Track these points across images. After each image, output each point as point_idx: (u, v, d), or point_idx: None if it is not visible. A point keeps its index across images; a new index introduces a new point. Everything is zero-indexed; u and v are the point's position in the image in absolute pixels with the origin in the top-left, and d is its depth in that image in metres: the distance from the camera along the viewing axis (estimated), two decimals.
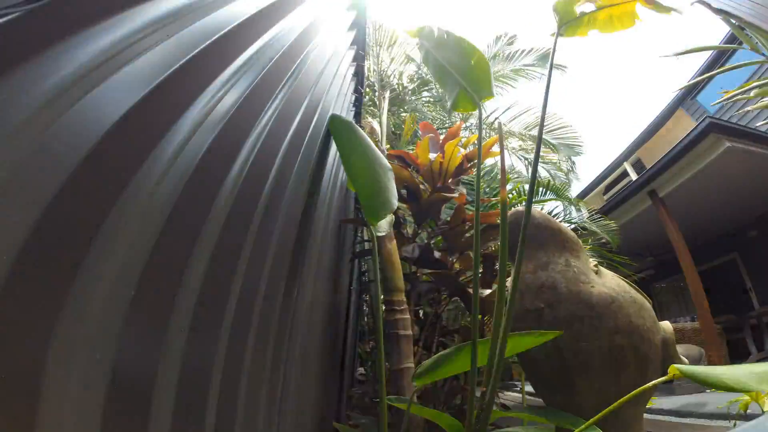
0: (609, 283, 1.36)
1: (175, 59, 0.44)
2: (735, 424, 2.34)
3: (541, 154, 5.43)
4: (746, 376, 0.65)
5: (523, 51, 5.53)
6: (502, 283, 0.94)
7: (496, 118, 5.26)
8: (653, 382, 0.78)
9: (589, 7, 1.10)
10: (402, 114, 4.86)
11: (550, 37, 1.14)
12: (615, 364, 1.20)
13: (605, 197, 10.87)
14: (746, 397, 1.85)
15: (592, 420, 0.77)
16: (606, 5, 1.09)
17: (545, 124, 5.24)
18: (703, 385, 0.70)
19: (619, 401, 0.74)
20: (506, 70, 5.53)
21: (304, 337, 1.13)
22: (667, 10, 1.06)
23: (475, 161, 2.15)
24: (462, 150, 2.35)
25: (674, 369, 0.72)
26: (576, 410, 1.21)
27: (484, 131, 5.15)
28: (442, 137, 2.37)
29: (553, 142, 5.34)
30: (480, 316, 2.09)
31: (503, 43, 5.58)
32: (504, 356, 0.87)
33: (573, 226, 4.75)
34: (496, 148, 2.55)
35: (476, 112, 1.18)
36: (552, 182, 4.56)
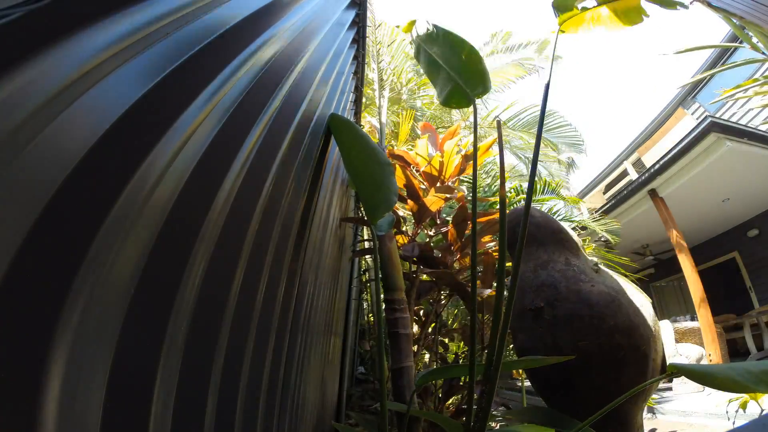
0: (609, 282, 1.36)
1: (175, 58, 0.45)
2: (734, 423, 2.35)
3: (542, 152, 5.43)
4: (742, 376, 0.65)
5: (521, 44, 5.51)
6: (501, 282, 0.94)
7: (496, 117, 5.25)
8: (652, 380, 0.78)
9: (589, 3, 1.08)
10: (401, 113, 4.86)
11: (544, 29, 1.13)
12: (615, 363, 1.20)
13: (605, 196, 10.87)
14: (745, 396, 1.86)
15: (589, 420, 0.77)
16: (608, 0, 1.07)
17: (546, 122, 5.24)
18: (700, 383, 0.70)
19: (617, 399, 0.74)
20: (504, 64, 5.51)
21: (304, 337, 1.14)
22: (673, 5, 1.04)
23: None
24: (462, 149, 2.35)
25: (672, 367, 0.72)
26: (576, 409, 1.21)
27: (484, 130, 5.14)
28: (441, 137, 2.37)
29: (553, 140, 5.34)
30: (480, 315, 2.10)
31: (499, 40, 5.57)
32: (502, 357, 0.87)
33: (573, 225, 4.75)
34: (495, 147, 2.55)
35: (474, 110, 1.17)
36: (551, 181, 4.56)
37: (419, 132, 2.92)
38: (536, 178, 4.73)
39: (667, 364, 0.83)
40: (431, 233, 2.46)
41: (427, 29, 1.28)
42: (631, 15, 1.08)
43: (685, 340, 5.39)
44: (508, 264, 1.79)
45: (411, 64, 5.13)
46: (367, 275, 3.59)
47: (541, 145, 5.29)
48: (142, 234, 0.38)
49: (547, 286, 1.36)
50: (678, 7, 1.04)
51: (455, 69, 1.17)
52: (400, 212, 2.43)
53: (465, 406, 1.86)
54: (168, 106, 0.43)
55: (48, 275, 0.28)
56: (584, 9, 1.08)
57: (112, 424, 0.33)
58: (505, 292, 1.00)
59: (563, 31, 1.13)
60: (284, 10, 0.84)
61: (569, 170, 6.12)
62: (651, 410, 3.62)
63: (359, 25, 2.10)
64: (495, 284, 2.12)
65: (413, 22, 1.35)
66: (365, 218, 1.38)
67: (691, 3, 2.59)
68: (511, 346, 1.64)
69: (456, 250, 2.16)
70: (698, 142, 5.46)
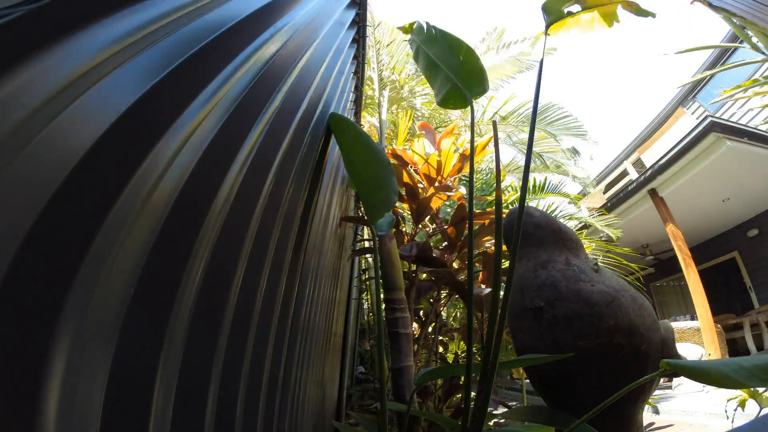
0: (609, 281, 1.36)
1: (175, 57, 0.45)
2: (733, 422, 2.35)
3: (545, 143, 5.40)
4: (735, 372, 0.65)
5: (516, 41, 5.49)
6: (497, 282, 0.94)
7: (495, 112, 5.24)
8: (647, 376, 0.78)
9: (575, 8, 1.14)
10: (400, 113, 4.86)
11: (538, 26, 1.17)
12: (615, 363, 1.20)
13: (605, 196, 10.86)
14: (744, 395, 1.86)
15: (585, 417, 0.77)
16: (591, 6, 1.13)
17: (546, 115, 5.22)
18: (693, 379, 0.70)
19: (613, 396, 0.75)
20: (500, 61, 5.48)
21: (304, 336, 1.14)
22: (646, 13, 1.10)
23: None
24: (459, 148, 2.36)
25: (665, 364, 0.72)
26: (576, 409, 1.21)
27: (484, 126, 5.14)
28: (439, 136, 2.37)
29: (555, 132, 5.29)
30: (480, 314, 2.10)
31: (493, 38, 5.55)
32: (498, 355, 0.87)
33: (574, 223, 4.75)
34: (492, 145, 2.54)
35: (471, 109, 1.17)
36: (550, 180, 4.55)
37: (418, 132, 2.92)
38: (544, 175, 4.73)
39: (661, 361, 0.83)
40: (430, 232, 2.46)
41: (426, 30, 1.29)
42: (605, 19, 1.17)
43: (685, 339, 5.40)
44: (505, 264, 1.79)
45: (411, 64, 5.13)
46: (367, 275, 3.59)
47: (545, 137, 5.28)
48: (143, 233, 0.38)
49: (547, 285, 1.36)
50: (649, 16, 1.10)
51: (453, 69, 1.18)
52: (399, 211, 2.43)
53: (464, 405, 1.86)
54: (168, 106, 0.43)
55: (48, 275, 0.28)
56: (570, 14, 1.15)
57: (112, 424, 0.33)
58: (501, 292, 1.01)
59: (549, 34, 1.19)
60: (284, 9, 0.84)
61: (574, 157, 6.06)
62: (651, 409, 3.62)
63: (359, 24, 2.10)
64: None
65: (413, 24, 1.36)
66: (365, 218, 1.38)
67: (691, 2, 2.59)
68: (511, 345, 1.64)
69: (455, 249, 2.16)
70: (698, 142, 5.46)
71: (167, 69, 0.42)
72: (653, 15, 1.10)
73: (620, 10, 1.13)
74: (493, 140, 1.17)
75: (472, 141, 1.10)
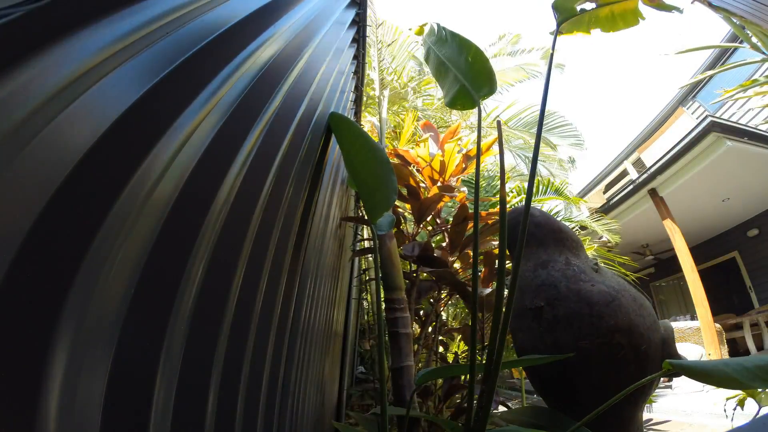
0: (609, 281, 1.36)
1: (175, 57, 0.44)
2: (732, 421, 2.35)
3: (542, 151, 5.43)
4: (737, 372, 0.65)
5: (524, 50, 5.53)
6: (501, 282, 0.94)
7: (496, 117, 5.25)
8: (648, 377, 0.78)
9: (589, 5, 1.08)
10: (402, 113, 4.87)
11: (549, 35, 1.13)
12: (615, 363, 1.20)
13: (605, 196, 10.86)
14: (743, 394, 1.86)
15: (585, 419, 0.77)
16: (607, 3, 1.07)
17: (546, 122, 5.24)
18: (695, 380, 0.70)
19: (615, 397, 0.75)
20: (507, 67, 5.52)
21: (304, 336, 1.14)
22: (669, 8, 1.04)
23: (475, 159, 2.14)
24: (462, 149, 2.36)
25: (667, 364, 0.72)
26: (576, 409, 1.21)
27: (485, 130, 5.14)
28: (442, 136, 2.37)
29: (554, 140, 5.33)
30: (480, 315, 2.10)
31: (506, 42, 5.58)
32: (502, 356, 0.87)
33: (573, 225, 4.75)
34: (496, 147, 2.55)
35: (476, 110, 1.17)
36: (553, 182, 4.56)
37: (420, 131, 2.92)
38: (537, 178, 4.75)
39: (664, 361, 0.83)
40: (431, 232, 2.46)
41: (437, 31, 1.29)
42: (628, 17, 1.08)
43: (685, 339, 5.40)
44: (508, 265, 1.79)
45: (412, 64, 5.15)
46: (367, 275, 3.58)
47: (541, 144, 5.29)
48: (143, 233, 0.38)
49: (547, 285, 1.36)
50: (673, 10, 1.04)
51: (462, 70, 1.18)
52: (400, 211, 2.42)
53: (465, 406, 1.86)
54: (168, 106, 0.43)
55: (49, 275, 0.28)
56: (583, 11, 1.08)
57: (113, 424, 0.33)
58: (505, 292, 1.01)
59: (561, 33, 1.13)
60: (284, 9, 0.84)
61: (571, 167, 6.11)
62: (651, 409, 3.63)
63: (359, 24, 2.10)
64: (495, 283, 2.12)
65: (424, 25, 1.36)
66: (365, 217, 1.38)
67: (692, 2, 2.59)
68: (512, 345, 1.65)
69: (457, 249, 2.16)
70: (698, 142, 5.46)
71: (167, 69, 0.42)
72: (679, 10, 1.03)
73: (642, 5, 1.05)
74: (498, 141, 1.17)
75: (478, 141, 1.10)
